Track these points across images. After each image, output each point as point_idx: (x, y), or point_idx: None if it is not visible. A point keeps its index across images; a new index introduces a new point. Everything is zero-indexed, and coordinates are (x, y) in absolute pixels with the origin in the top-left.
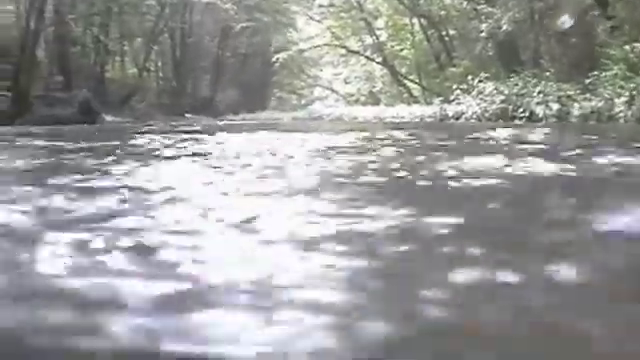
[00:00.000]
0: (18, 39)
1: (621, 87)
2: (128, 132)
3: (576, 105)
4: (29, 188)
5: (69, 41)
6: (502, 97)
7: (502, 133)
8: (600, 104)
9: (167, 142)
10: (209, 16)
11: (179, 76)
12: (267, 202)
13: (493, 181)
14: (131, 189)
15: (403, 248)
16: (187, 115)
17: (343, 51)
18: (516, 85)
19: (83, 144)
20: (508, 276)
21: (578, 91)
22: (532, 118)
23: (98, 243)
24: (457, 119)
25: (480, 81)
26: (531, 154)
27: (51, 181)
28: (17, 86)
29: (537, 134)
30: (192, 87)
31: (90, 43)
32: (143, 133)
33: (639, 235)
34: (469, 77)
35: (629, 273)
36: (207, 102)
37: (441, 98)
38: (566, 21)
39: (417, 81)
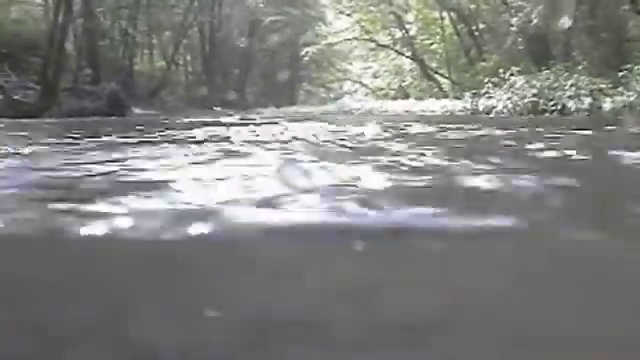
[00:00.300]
0: (47, 32)
1: None
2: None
3: (608, 99)
4: None
5: (97, 34)
6: (534, 91)
7: None
8: (632, 98)
9: None
10: (238, 10)
11: (208, 70)
12: None
13: None
14: None
15: None
16: (216, 108)
17: (373, 45)
18: (548, 79)
19: None
20: None
21: (610, 85)
22: (564, 112)
23: None
24: (487, 113)
25: (512, 74)
26: None
27: None
28: (45, 79)
29: None
30: (220, 81)
31: (118, 36)
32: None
33: None
34: (500, 71)
35: None
36: (236, 95)
37: (472, 92)
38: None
39: (447, 75)
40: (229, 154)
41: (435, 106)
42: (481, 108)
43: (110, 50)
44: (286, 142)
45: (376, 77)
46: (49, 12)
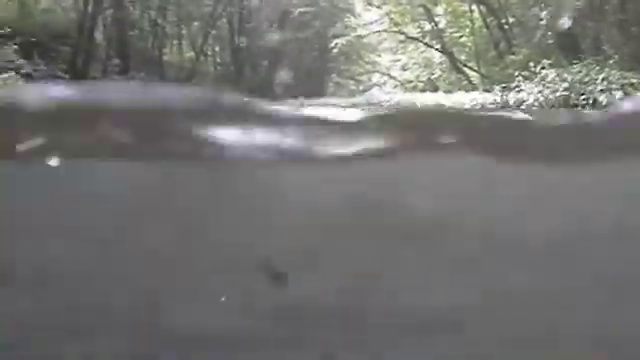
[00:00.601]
0: (76, 21)
1: None
2: None
3: (639, 94)
4: None
5: (127, 24)
6: (565, 84)
7: None
8: None
9: None
10: (267, 1)
11: (237, 61)
12: None
13: None
14: None
15: None
16: (245, 99)
17: (402, 37)
18: (579, 72)
19: None
20: None
21: None
22: (595, 106)
23: None
24: (518, 106)
25: (543, 68)
26: None
27: None
28: (74, 68)
29: None
30: (250, 72)
31: (148, 26)
32: None
33: None
34: (530, 64)
35: None
36: (265, 87)
37: (502, 85)
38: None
39: (476, 68)
40: None
41: (465, 99)
42: (511, 101)
43: (139, 40)
44: None
45: (405, 70)
46: (79, 1)
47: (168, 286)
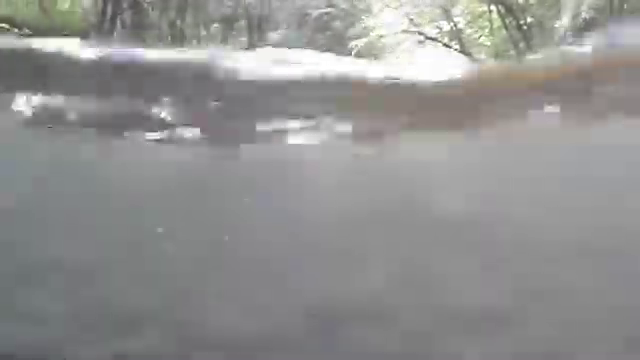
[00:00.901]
0: (95, 24)
1: None
2: None
3: None
4: None
5: (146, 26)
6: None
7: None
8: None
9: None
10: (287, 3)
11: None
12: None
13: None
14: None
15: None
16: None
17: (421, 38)
18: None
19: None
20: None
21: None
22: None
23: None
24: None
25: None
26: None
27: None
28: None
29: None
30: None
31: (167, 28)
32: None
33: None
34: None
35: None
36: None
37: None
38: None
39: None
40: None
41: None
42: None
43: (158, 41)
44: None
45: None
46: (98, 3)
47: None
